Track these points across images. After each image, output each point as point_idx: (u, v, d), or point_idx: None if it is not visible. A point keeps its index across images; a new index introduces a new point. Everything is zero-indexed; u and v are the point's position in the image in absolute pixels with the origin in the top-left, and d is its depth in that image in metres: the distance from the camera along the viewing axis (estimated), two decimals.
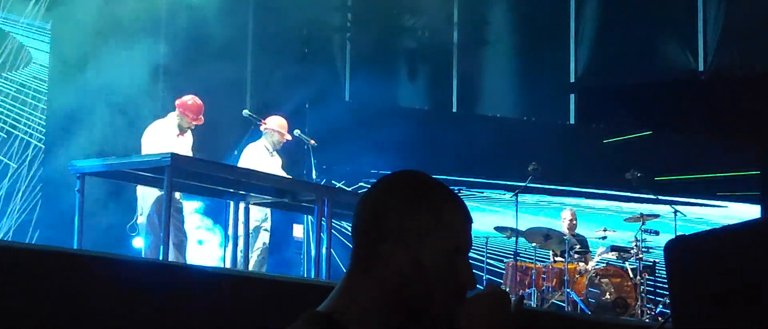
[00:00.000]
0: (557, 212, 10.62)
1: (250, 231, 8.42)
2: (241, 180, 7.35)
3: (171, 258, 7.05)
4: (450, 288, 1.79)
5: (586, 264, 9.49)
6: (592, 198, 12.06)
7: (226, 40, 11.13)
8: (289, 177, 8.55)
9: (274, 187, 7.56)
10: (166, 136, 7.98)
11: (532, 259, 9.58)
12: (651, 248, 9.39)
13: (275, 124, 8.71)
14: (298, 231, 10.41)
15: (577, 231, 10.09)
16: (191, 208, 9.69)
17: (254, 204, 8.09)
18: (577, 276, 9.27)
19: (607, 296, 9.08)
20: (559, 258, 9.66)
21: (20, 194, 9.73)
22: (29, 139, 9.95)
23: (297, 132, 8.88)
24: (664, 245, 2.20)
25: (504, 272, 9.83)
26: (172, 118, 8.16)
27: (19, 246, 3.74)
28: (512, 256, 9.68)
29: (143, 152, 7.76)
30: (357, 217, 1.84)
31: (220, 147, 8.80)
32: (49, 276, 3.16)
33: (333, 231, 7.78)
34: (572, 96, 13.18)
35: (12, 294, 3.04)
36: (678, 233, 9.29)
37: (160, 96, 10.52)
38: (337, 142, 11.08)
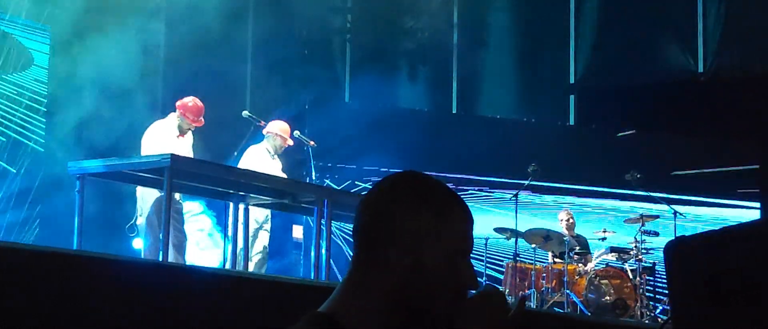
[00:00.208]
0: (557, 213, 10.63)
1: (250, 232, 8.42)
2: (240, 182, 7.35)
3: (170, 259, 7.04)
4: (452, 289, 1.79)
5: (585, 265, 9.49)
6: (592, 200, 12.06)
7: (226, 42, 11.15)
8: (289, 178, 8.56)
9: (273, 188, 7.56)
10: (166, 137, 7.97)
11: (531, 260, 9.58)
12: (651, 249, 9.39)
13: (278, 128, 8.71)
14: (297, 232, 10.41)
15: (577, 231, 10.10)
16: (194, 211, 9.70)
17: (254, 205, 8.09)
18: (576, 277, 9.28)
19: (607, 297, 9.08)
20: (558, 260, 9.66)
21: (20, 195, 9.73)
22: (27, 142, 9.94)
23: (297, 133, 8.88)
24: (663, 246, 2.20)
25: (503, 273, 9.84)
26: (173, 119, 8.16)
27: (19, 246, 3.74)
28: (512, 257, 9.69)
29: (143, 153, 7.76)
30: (358, 219, 1.84)
31: (221, 148, 8.79)
32: (49, 276, 3.16)
33: (333, 232, 7.78)
34: (572, 97, 13.19)
35: (12, 295, 3.04)
36: (678, 234, 9.29)
37: (160, 97, 10.52)
38: (337, 143, 11.09)
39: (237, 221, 7.90)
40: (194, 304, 3.42)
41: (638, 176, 9.84)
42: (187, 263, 7.94)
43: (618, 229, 10.12)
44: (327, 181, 11.31)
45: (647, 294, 9.35)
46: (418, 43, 13.26)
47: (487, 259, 10.13)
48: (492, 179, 12.06)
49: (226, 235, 8.08)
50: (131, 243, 8.37)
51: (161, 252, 6.71)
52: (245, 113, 8.67)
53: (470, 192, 11.90)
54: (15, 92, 10.01)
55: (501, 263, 10.49)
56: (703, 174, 11.59)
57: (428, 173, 1.88)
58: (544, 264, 9.62)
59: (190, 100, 8.19)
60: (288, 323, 1.75)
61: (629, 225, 9.86)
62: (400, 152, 11.03)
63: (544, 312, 7.17)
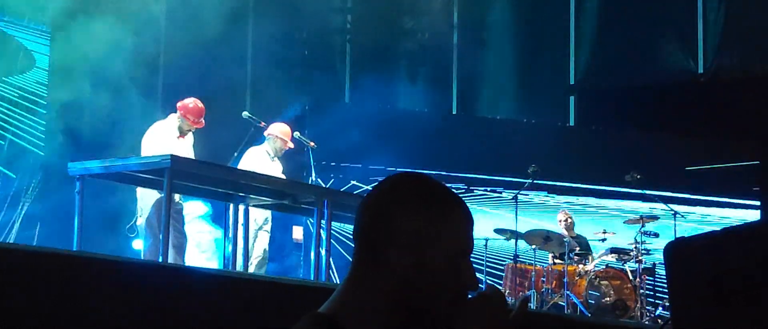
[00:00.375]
0: (556, 214, 10.63)
1: (251, 233, 8.43)
2: (240, 182, 7.35)
3: (170, 260, 7.05)
4: (452, 289, 1.79)
5: (585, 266, 9.48)
6: (592, 200, 12.06)
7: (226, 43, 11.15)
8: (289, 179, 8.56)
9: (273, 189, 7.56)
10: (166, 138, 7.98)
11: (531, 261, 9.58)
12: (650, 250, 9.39)
13: (278, 131, 8.71)
14: (297, 233, 10.41)
15: (577, 231, 10.10)
16: (196, 213, 9.69)
17: (254, 205, 8.09)
18: (576, 278, 9.28)
19: (607, 298, 9.08)
20: (558, 260, 9.66)
21: (20, 196, 9.73)
22: (27, 145, 9.93)
23: (297, 134, 8.88)
24: (663, 247, 2.20)
25: (504, 274, 9.84)
26: (173, 120, 8.16)
27: (19, 247, 3.75)
28: (512, 258, 9.69)
29: (143, 154, 7.75)
30: (359, 220, 1.84)
31: (221, 149, 8.79)
32: (49, 277, 3.16)
33: (332, 233, 7.78)
34: (572, 98, 13.19)
35: (12, 295, 3.05)
36: (677, 235, 9.30)
37: (160, 98, 10.52)
38: (337, 144, 11.08)
39: (237, 222, 7.89)
40: (194, 305, 3.42)
41: (638, 177, 9.84)
42: (188, 264, 7.94)
43: (618, 230, 10.12)
44: (330, 181, 11.31)
45: (647, 295, 9.35)
46: (418, 44, 13.27)
47: (487, 260, 10.13)
48: (492, 179, 12.05)
49: (226, 236, 8.08)
50: (131, 244, 8.37)
51: (161, 253, 6.71)
52: (245, 114, 8.67)
53: (470, 193, 11.90)
54: (16, 95, 10.00)
55: (501, 264, 10.49)
56: (703, 174, 11.58)
57: (428, 174, 1.88)
58: (544, 265, 9.62)
59: (190, 101, 8.19)
60: (288, 324, 1.76)
61: (629, 226, 9.86)
62: (400, 153, 11.03)
63: (544, 313, 7.18)
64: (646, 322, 8.93)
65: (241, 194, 7.65)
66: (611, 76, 12.89)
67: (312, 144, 8.80)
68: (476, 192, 12.01)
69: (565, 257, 9.39)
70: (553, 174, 11.33)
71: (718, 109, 11.70)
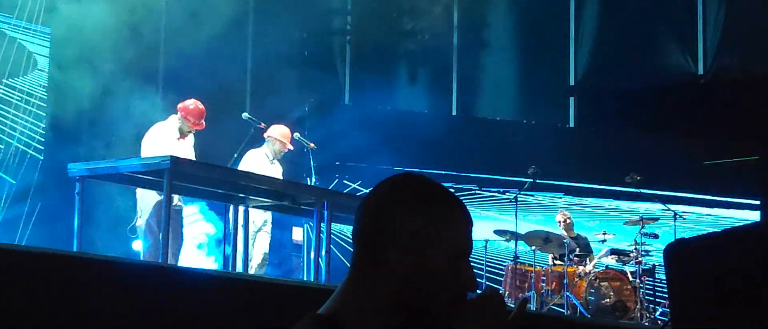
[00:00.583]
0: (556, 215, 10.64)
1: (250, 235, 8.43)
2: (240, 183, 7.35)
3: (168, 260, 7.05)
4: (452, 290, 1.79)
5: (585, 267, 9.48)
6: (592, 201, 12.06)
7: (226, 44, 11.15)
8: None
9: (273, 190, 7.56)
10: (166, 139, 7.98)
11: (531, 263, 9.58)
12: (650, 251, 9.39)
13: (278, 133, 8.70)
14: (297, 234, 10.41)
15: (577, 231, 10.11)
16: (196, 215, 9.69)
17: (254, 207, 8.09)
18: (576, 279, 9.28)
19: (607, 299, 9.08)
20: (558, 262, 9.66)
21: (19, 198, 9.72)
22: (26, 149, 9.92)
23: (297, 135, 8.88)
24: (663, 248, 2.20)
25: (503, 275, 9.84)
26: (173, 122, 8.16)
27: (19, 248, 3.75)
28: (512, 260, 9.69)
29: (143, 155, 7.76)
30: (358, 221, 1.84)
31: (221, 150, 8.79)
32: (49, 277, 3.16)
33: (332, 234, 7.78)
34: (572, 99, 13.18)
35: (12, 295, 3.05)
36: (677, 236, 9.30)
37: (160, 99, 10.53)
38: (336, 145, 11.09)
39: (237, 223, 7.89)
40: (194, 306, 3.42)
41: (638, 178, 9.84)
42: (188, 265, 7.94)
43: (617, 231, 10.12)
44: (334, 182, 11.31)
45: (647, 296, 9.35)
46: (418, 45, 13.27)
47: (487, 262, 10.13)
48: (491, 184, 12.05)
49: (226, 237, 8.08)
50: (131, 245, 8.38)
51: (161, 254, 6.71)
52: (245, 115, 8.67)
53: (470, 194, 11.90)
54: (17, 98, 9.99)
55: (501, 265, 10.48)
56: (703, 174, 11.58)
57: (428, 175, 1.88)
58: (544, 267, 9.62)
59: (191, 103, 8.20)
60: (288, 325, 1.76)
61: (629, 227, 9.86)
62: (400, 154, 11.04)
63: (543, 314, 7.18)
64: (646, 323, 8.93)
65: (240, 195, 7.65)
66: (611, 76, 12.88)
67: (312, 145, 8.79)
68: (475, 193, 12.00)
69: (565, 258, 9.39)
70: (553, 175, 11.33)
71: (718, 110, 11.69)
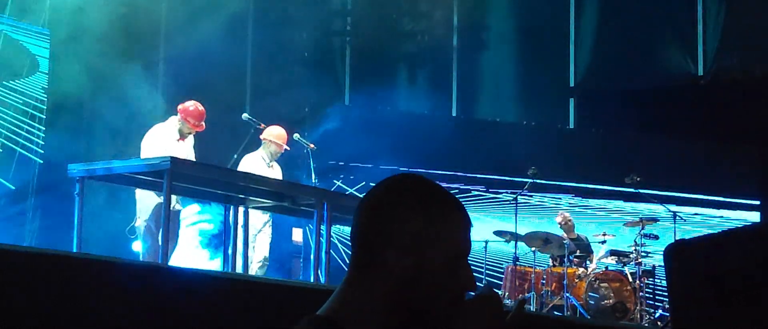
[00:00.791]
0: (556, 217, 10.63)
1: (250, 236, 8.43)
2: (240, 184, 7.36)
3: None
4: (451, 291, 1.79)
5: (585, 268, 9.48)
6: (592, 203, 12.06)
7: (226, 45, 11.15)
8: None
9: (273, 191, 7.56)
10: (166, 140, 7.99)
11: (531, 264, 9.58)
12: (650, 252, 9.39)
13: (272, 135, 8.69)
14: (297, 235, 10.41)
15: (578, 232, 10.11)
16: (195, 217, 9.68)
17: (254, 208, 8.09)
18: (576, 280, 9.27)
19: (607, 300, 9.08)
20: (558, 263, 9.66)
21: (19, 199, 9.72)
22: (27, 154, 9.91)
23: (296, 136, 8.88)
24: (663, 249, 2.20)
25: (503, 276, 9.84)
26: (173, 123, 8.17)
27: (19, 249, 3.75)
28: (512, 261, 9.69)
29: (143, 156, 7.76)
30: (357, 222, 1.84)
31: (221, 151, 8.79)
32: (49, 277, 3.16)
33: (332, 235, 7.78)
34: (572, 100, 13.18)
35: (12, 295, 3.05)
36: (677, 237, 9.30)
37: (160, 101, 10.53)
38: (336, 146, 11.08)
39: (236, 224, 7.89)
40: (194, 307, 3.42)
41: (638, 179, 9.85)
42: (189, 267, 7.94)
43: (618, 232, 10.12)
44: (335, 184, 11.31)
45: (647, 297, 9.35)
46: (418, 46, 13.27)
47: (487, 263, 10.13)
48: (491, 185, 12.05)
49: (225, 239, 8.08)
50: (131, 246, 8.38)
51: (161, 255, 6.71)
52: (245, 116, 8.67)
53: (470, 195, 11.89)
54: (18, 101, 9.98)
55: (501, 267, 10.49)
56: (703, 175, 11.58)
57: (427, 176, 1.88)
58: (544, 268, 9.63)
59: (191, 105, 8.20)
60: (287, 326, 1.76)
61: (629, 228, 9.86)
62: (399, 155, 11.03)
63: (543, 316, 7.17)
64: (646, 324, 8.94)
65: (240, 196, 7.65)
66: (611, 77, 12.88)
67: (312, 146, 8.79)
68: (475, 194, 12.00)
69: (565, 259, 9.39)
70: (553, 176, 11.33)
71: (718, 111, 11.69)
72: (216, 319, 3.45)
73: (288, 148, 8.81)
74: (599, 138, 12.54)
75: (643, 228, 9.44)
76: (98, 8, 9.85)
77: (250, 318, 3.48)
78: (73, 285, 3.19)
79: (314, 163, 8.83)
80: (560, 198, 11.89)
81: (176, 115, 8.21)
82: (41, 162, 9.98)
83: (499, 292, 9.65)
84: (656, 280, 9.59)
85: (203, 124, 8.23)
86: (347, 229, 9.04)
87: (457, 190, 11.65)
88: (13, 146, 9.85)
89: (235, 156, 8.32)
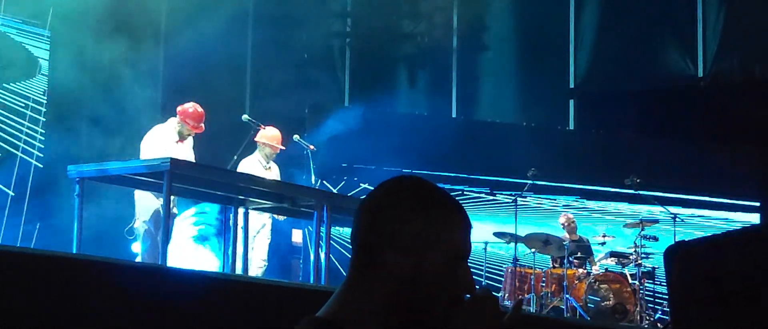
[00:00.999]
0: (557, 217, 10.64)
1: (250, 238, 8.44)
2: (240, 185, 7.35)
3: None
4: (451, 292, 1.79)
5: (584, 269, 9.48)
6: (592, 204, 12.06)
7: (225, 46, 11.15)
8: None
9: (273, 193, 7.56)
10: (165, 142, 7.99)
11: (531, 265, 9.58)
12: (650, 254, 9.39)
13: (266, 137, 8.69)
14: (297, 236, 10.41)
15: (579, 233, 10.11)
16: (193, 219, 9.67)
17: (254, 209, 8.09)
18: (576, 281, 9.27)
19: (607, 302, 9.08)
20: (558, 264, 9.66)
21: (20, 201, 9.72)
22: (27, 158, 9.90)
23: (296, 137, 8.88)
24: (663, 251, 2.20)
25: (503, 278, 9.83)
26: (172, 124, 8.18)
27: (20, 250, 3.75)
28: (511, 262, 9.69)
29: (142, 157, 7.76)
30: (357, 223, 1.84)
31: (220, 153, 8.79)
32: (49, 278, 3.16)
33: (332, 236, 7.77)
34: (572, 101, 13.19)
35: (12, 296, 3.05)
36: (677, 239, 9.30)
37: (159, 102, 10.53)
38: (336, 147, 11.08)
39: (236, 225, 7.89)
40: (193, 308, 3.42)
41: (638, 180, 9.85)
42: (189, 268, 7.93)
43: (617, 234, 10.12)
44: (339, 185, 11.31)
45: (647, 298, 9.35)
46: (417, 48, 13.28)
47: (487, 264, 10.13)
48: (491, 186, 12.05)
49: (225, 240, 8.08)
50: (130, 247, 8.37)
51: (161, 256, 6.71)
52: (245, 117, 8.67)
53: (470, 196, 11.89)
54: (19, 104, 9.98)
55: (501, 268, 10.48)
56: (703, 176, 11.58)
57: (427, 178, 1.88)
58: (544, 269, 9.62)
59: (190, 106, 8.20)
60: (287, 327, 1.76)
61: (629, 229, 9.86)
62: (399, 156, 11.02)
63: (542, 317, 7.17)
64: (646, 326, 8.94)
65: (240, 197, 7.65)
66: (611, 79, 12.89)
67: (311, 147, 8.79)
68: (475, 196, 12.00)
69: (565, 261, 9.39)
70: (553, 178, 11.33)
71: (718, 112, 11.70)
72: (215, 320, 3.45)
73: (283, 148, 8.81)
74: (599, 139, 12.54)
75: (642, 230, 9.45)
76: (98, 9, 9.84)
77: (249, 319, 3.48)
78: (73, 286, 3.19)
79: (314, 164, 8.83)
80: (555, 199, 11.88)
81: (175, 116, 8.21)
82: (41, 166, 9.97)
83: (499, 293, 9.66)
84: (656, 282, 9.59)
85: (202, 125, 8.23)
86: (346, 231, 9.04)
87: (460, 192, 11.66)
88: (13, 150, 9.84)
89: (235, 157, 8.32)
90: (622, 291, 9.11)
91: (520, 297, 9.24)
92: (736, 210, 11.70)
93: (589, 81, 13.04)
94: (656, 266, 9.37)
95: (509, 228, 9.84)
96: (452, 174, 11.85)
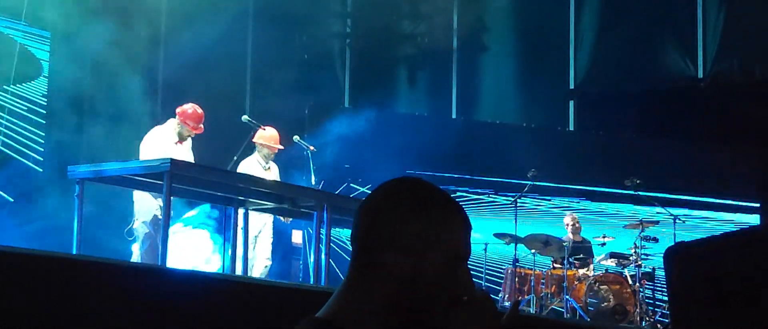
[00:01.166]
0: (557, 218, 10.64)
1: (251, 239, 8.45)
2: (240, 186, 7.35)
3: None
4: (450, 293, 1.79)
5: (585, 270, 9.48)
6: (592, 205, 12.06)
7: (225, 47, 11.15)
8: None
9: (273, 193, 7.56)
10: (165, 143, 8.00)
11: (531, 266, 9.58)
12: (650, 255, 9.39)
13: (263, 138, 8.69)
14: (297, 237, 10.41)
15: (582, 235, 10.11)
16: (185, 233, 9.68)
17: (253, 210, 8.09)
18: (576, 282, 9.27)
19: (607, 303, 9.08)
20: (558, 265, 9.66)
21: (20, 202, 9.72)
22: (26, 162, 9.90)
23: (296, 138, 8.88)
24: (663, 252, 2.20)
25: (503, 279, 9.83)
26: (172, 125, 8.18)
27: (20, 250, 3.75)
28: (511, 263, 9.69)
29: (141, 158, 7.76)
30: (357, 224, 1.84)
31: (220, 153, 8.79)
32: (49, 278, 3.16)
33: (332, 237, 7.77)
34: (572, 102, 13.19)
35: (12, 296, 3.05)
36: (677, 240, 9.30)
37: (159, 103, 10.53)
38: (336, 148, 11.08)
39: (236, 226, 7.89)
40: (193, 308, 3.42)
41: (638, 181, 9.85)
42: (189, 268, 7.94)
43: (617, 235, 10.12)
44: (327, 186, 11.30)
45: (646, 299, 9.35)
46: (417, 48, 13.28)
47: (487, 265, 10.13)
48: (491, 187, 12.05)
49: (225, 241, 8.08)
50: (130, 248, 8.38)
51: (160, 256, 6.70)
52: (245, 118, 8.67)
53: (469, 197, 11.89)
54: (21, 106, 9.97)
55: (500, 269, 10.48)
56: (703, 179, 11.58)
57: (427, 179, 1.88)
58: (544, 270, 9.62)
59: (189, 107, 8.21)
60: (286, 327, 1.76)
61: (628, 230, 9.86)
62: (399, 157, 11.02)
63: (541, 317, 7.18)
64: (646, 327, 8.93)
65: (240, 198, 7.65)
66: (611, 80, 12.90)
67: (311, 148, 8.79)
68: (475, 196, 12.00)
69: (565, 261, 9.39)
70: (553, 179, 11.33)
71: (718, 113, 11.70)
72: (215, 321, 3.45)
73: (281, 148, 8.81)
74: (599, 140, 12.54)
75: (642, 231, 9.45)
76: (98, 10, 9.84)
77: (249, 319, 3.48)
78: (73, 287, 3.19)
79: (314, 165, 8.83)
80: (550, 200, 11.88)
81: (175, 117, 8.21)
82: (40, 170, 9.96)
83: (499, 294, 9.66)
84: (656, 283, 9.59)
85: (202, 126, 8.23)
86: (346, 232, 9.05)
87: (463, 194, 11.66)
88: (14, 154, 9.84)
89: (235, 158, 8.31)
90: (622, 292, 9.12)
91: (520, 298, 9.24)
92: (736, 211, 11.69)
93: (589, 82, 13.04)
94: (656, 267, 9.37)
95: (509, 229, 9.84)
96: (452, 175, 11.85)
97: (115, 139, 9.67)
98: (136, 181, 6.97)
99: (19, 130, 9.95)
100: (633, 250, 9.38)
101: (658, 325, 9.15)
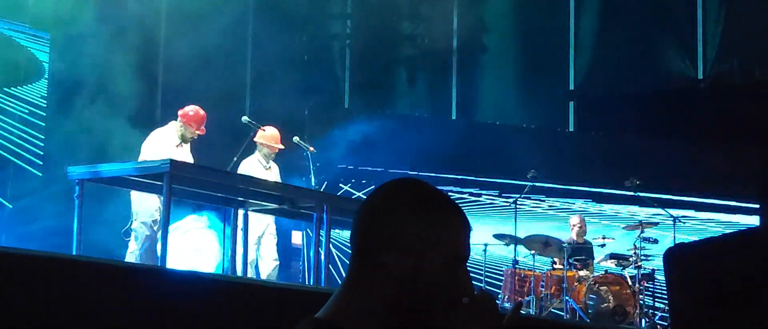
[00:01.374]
0: (556, 219, 10.64)
1: (254, 240, 8.45)
2: (240, 187, 7.35)
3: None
4: (449, 294, 1.79)
5: (585, 271, 9.48)
6: (592, 206, 12.06)
7: (225, 48, 11.15)
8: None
9: (272, 194, 7.56)
10: (166, 145, 7.99)
11: (530, 267, 9.58)
12: (650, 256, 9.39)
13: (264, 137, 8.70)
14: (297, 238, 10.40)
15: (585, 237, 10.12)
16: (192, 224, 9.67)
17: (253, 210, 8.08)
18: (576, 283, 9.27)
19: (606, 304, 9.08)
20: (558, 266, 9.66)
21: (20, 204, 9.73)
22: (24, 164, 9.90)
23: (296, 139, 8.88)
24: (662, 253, 2.20)
25: (503, 280, 9.83)
26: (173, 127, 8.17)
27: (20, 251, 3.75)
28: (511, 264, 9.69)
29: (142, 159, 7.76)
30: (357, 225, 1.84)
31: (220, 154, 8.79)
32: (49, 279, 3.17)
33: (331, 238, 7.77)
34: (571, 103, 13.19)
35: (12, 296, 3.05)
36: (677, 241, 9.30)
37: (159, 104, 10.52)
38: (336, 149, 11.08)
39: (236, 227, 7.89)
40: (192, 309, 3.42)
41: (637, 182, 9.85)
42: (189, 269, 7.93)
43: (617, 236, 10.12)
44: (327, 187, 11.31)
45: (646, 300, 9.35)
46: (417, 50, 13.28)
47: (487, 266, 10.12)
48: (491, 188, 12.05)
49: (225, 241, 8.07)
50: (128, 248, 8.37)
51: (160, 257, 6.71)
52: (245, 118, 8.67)
53: (469, 198, 11.89)
54: (22, 108, 9.97)
55: (500, 270, 10.49)
56: (703, 180, 11.59)
57: (426, 180, 1.88)
58: (543, 271, 9.62)
59: (191, 109, 8.20)
60: (286, 328, 1.76)
61: (628, 231, 9.86)
62: (399, 158, 11.02)
63: (541, 319, 7.18)
64: (645, 328, 8.94)
65: (240, 199, 7.65)
66: (611, 81, 12.90)
67: (311, 149, 8.79)
68: (475, 197, 12.00)
69: (565, 262, 9.39)
70: (553, 180, 11.33)
71: (718, 115, 11.70)
72: (215, 321, 3.45)
73: (281, 147, 8.81)
74: (599, 141, 12.54)
75: (642, 232, 9.45)
76: (98, 11, 9.84)
77: (249, 319, 3.48)
78: (73, 287, 3.19)
79: (313, 166, 8.83)
80: (544, 201, 11.88)
81: (176, 119, 8.21)
82: (40, 173, 9.96)
83: (499, 295, 9.66)
84: (656, 284, 9.59)
85: (204, 128, 8.24)
86: (345, 233, 9.04)
87: (465, 195, 11.67)
88: (11, 154, 9.84)
89: (235, 158, 8.31)
90: (622, 293, 9.11)
91: (520, 299, 9.24)
92: (735, 213, 11.69)
93: (589, 83, 13.04)
94: (656, 268, 9.37)
95: (509, 230, 9.84)
96: (452, 176, 11.85)
97: (114, 139, 9.67)
98: (136, 182, 6.97)
99: (19, 130, 9.95)
100: (633, 251, 9.38)
101: (658, 326, 9.15)
